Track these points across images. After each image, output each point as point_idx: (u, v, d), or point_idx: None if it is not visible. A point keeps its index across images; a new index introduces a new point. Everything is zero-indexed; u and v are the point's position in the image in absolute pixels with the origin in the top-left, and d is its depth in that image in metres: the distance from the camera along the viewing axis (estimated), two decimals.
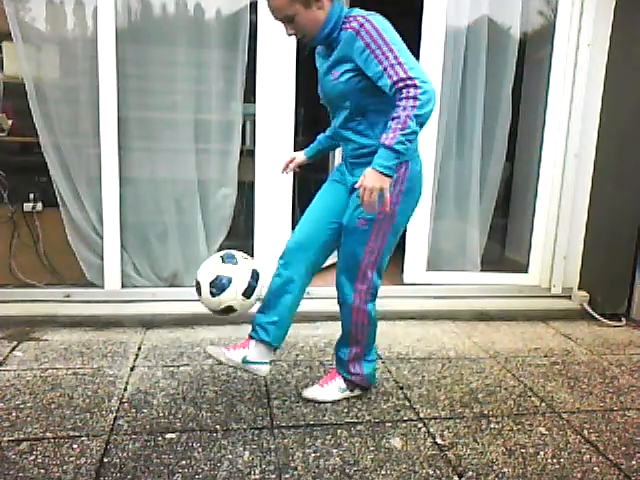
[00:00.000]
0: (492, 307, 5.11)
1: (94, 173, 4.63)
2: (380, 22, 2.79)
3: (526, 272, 5.46)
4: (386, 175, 2.71)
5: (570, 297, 5.30)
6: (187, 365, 3.80)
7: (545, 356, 4.24)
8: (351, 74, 2.88)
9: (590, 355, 4.31)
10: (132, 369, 3.72)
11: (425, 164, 4.95)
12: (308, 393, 3.42)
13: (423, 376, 3.80)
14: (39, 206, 4.82)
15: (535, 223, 5.38)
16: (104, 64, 4.46)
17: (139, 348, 4.08)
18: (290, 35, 2.93)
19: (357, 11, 2.88)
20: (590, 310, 5.13)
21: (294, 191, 4.90)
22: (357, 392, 3.48)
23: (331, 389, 3.42)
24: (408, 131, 2.65)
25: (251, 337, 3.23)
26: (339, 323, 4.34)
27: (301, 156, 3.61)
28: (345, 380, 3.45)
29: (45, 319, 4.40)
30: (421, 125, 2.70)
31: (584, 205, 5.16)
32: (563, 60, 5.07)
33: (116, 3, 4.44)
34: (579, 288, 5.27)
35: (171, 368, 3.75)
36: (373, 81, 2.81)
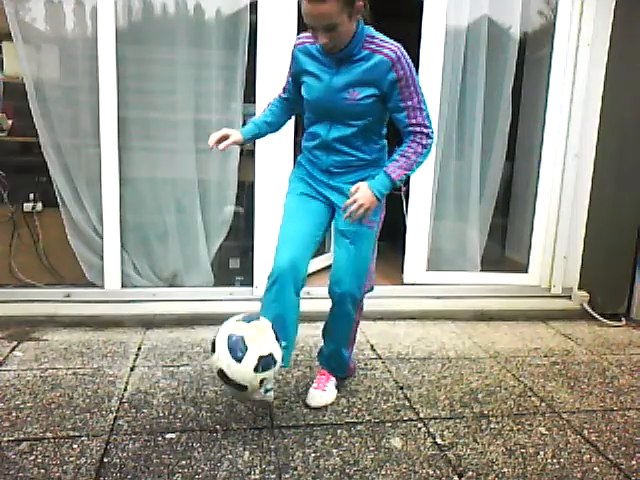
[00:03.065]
0: (492, 307, 5.11)
1: (94, 173, 4.64)
2: (409, 58, 2.89)
3: (526, 272, 5.47)
4: (378, 199, 2.93)
5: (570, 297, 5.30)
6: (187, 365, 3.80)
7: (545, 356, 4.24)
8: (374, 99, 2.93)
9: (590, 355, 4.31)
10: (132, 369, 3.72)
11: (425, 163, 4.99)
12: (315, 402, 3.37)
13: (423, 376, 3.80)
14: (39, 206, 4.82)
15: (535, 223, 5.38)
16: (104, 64, 4.46)
17: (139, 348, 4.08)
18: (323, 44, 2.80)
19: (380, 34, 2.91)
20: (590, 310, 5.13)
21: None
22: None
23: (331, 389, 3.45)
24: (410, 173, 3.01)
25: None
26: None
27: (238, 135, 3.19)
28: (338, 378, 3.53)
29: (45, 319, 4.40)
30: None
31: (584, 205, 5.16)
32: (563, 60, 5.07)
33: (116, 3, 4.44)
34: (579, 288, 5.28)
35: (171, 368, 3.75)
36: (388, 108, 2.97)
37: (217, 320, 3.62)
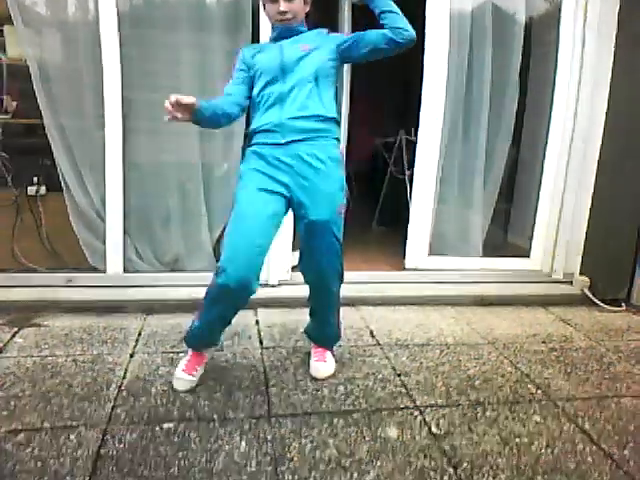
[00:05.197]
0: (493, 292, 5.12)
1: (98, 156, 4.64)
2: None
3: (528, 257, 5.47)
4: None
5: (571, 282, 5.29)
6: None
7: (543, 342, 4.26)
8: (323, 54, 3.22)
9: (588, 341, 4.32)
10: (132, 355, 3.75)
11: (430, 148, 4.97)
12: (322, 374, 3.57)
13: (421, 362, 3.82)
14: (43, 190, 4.83)
15: (538, 208, 5.39)
16: (107, 46, 4.46)
17: (139, 334, 4.10)
18: (284, 9, 3.15)
19: None
20: (590, 295, 5.13)
21: None
22: None
23: (331, 358, 3.68)
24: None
25: None
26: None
27: (192, 99, 2.90)
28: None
29: (47, 304, 4.42)
30: None
31: (588, 191, 5.14)
32: (570, 44, 5.05)
33: None
34: (580, 273, 5.26)
35: (170, 354, 3.77)
36: (352, 52, 3.25)
37: None
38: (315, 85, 3.18)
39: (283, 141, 3.16)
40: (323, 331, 3.68)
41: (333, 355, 3.71)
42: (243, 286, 3.05)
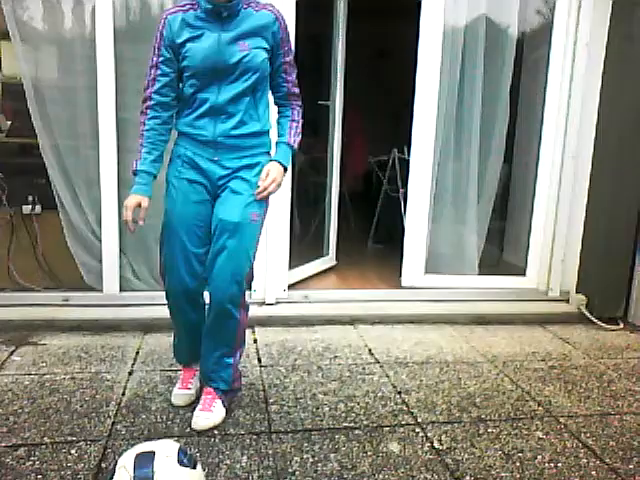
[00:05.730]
0: (490, 311, 5.10)
1: (93, 175, 4.63)
2: None
3: (524, 275, 5.46)
4: (285, 170, 3.13)
5: (568, 300, 5.29)
6: None
7: (543, 360, 4.24)
8: (262, 51, 2.97)
9: (587, 359, 4.31)
10: (130, 373, 3.73)
11: (423, 166, 4.99)
12: (200, 425, 3.09)
13: (421, 380, 3.81)
14: (38, 208, 4.81)
15: (533, 226, 5.38)
16: (102, 64, 4.46)
17: (137, 352, 4.08)
18: None
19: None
20: (587, 314, 5.12)
21: (292, 192, 4.89)
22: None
23: (219, 408, 3.18)
24: (300, 137, 3.21)
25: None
26: (338, 327, 4.34)
27: (145, 201, 3.08)
28: (225, 393, 3.25)
29: (43, 323, 4.40)
30: None
31: (582, 208, 5.15)
32: (561, 59, 5.08)
33: (114, 2, 4.43)
34: (577, 291, 5.25)
35: (169, 373, 3.75)
36: (271, 68, 3.07)
37: None
38: (252, 97, 3.02)
39: (216, 158, 3.03)
40: (216, 371, 3.20)
41: (225, 405, 3.22)
42: (182, 289, 3.16)
